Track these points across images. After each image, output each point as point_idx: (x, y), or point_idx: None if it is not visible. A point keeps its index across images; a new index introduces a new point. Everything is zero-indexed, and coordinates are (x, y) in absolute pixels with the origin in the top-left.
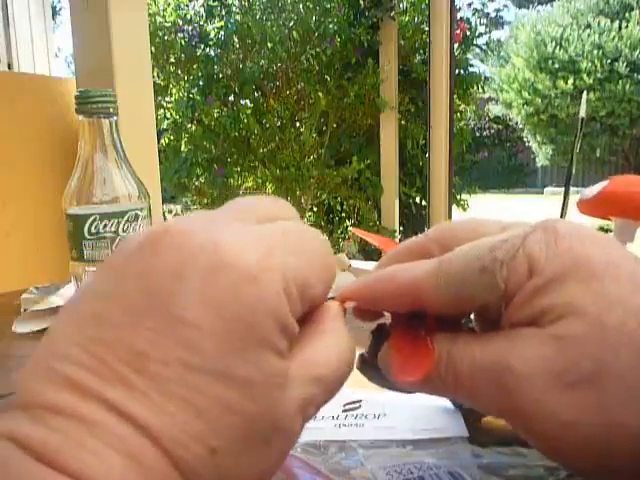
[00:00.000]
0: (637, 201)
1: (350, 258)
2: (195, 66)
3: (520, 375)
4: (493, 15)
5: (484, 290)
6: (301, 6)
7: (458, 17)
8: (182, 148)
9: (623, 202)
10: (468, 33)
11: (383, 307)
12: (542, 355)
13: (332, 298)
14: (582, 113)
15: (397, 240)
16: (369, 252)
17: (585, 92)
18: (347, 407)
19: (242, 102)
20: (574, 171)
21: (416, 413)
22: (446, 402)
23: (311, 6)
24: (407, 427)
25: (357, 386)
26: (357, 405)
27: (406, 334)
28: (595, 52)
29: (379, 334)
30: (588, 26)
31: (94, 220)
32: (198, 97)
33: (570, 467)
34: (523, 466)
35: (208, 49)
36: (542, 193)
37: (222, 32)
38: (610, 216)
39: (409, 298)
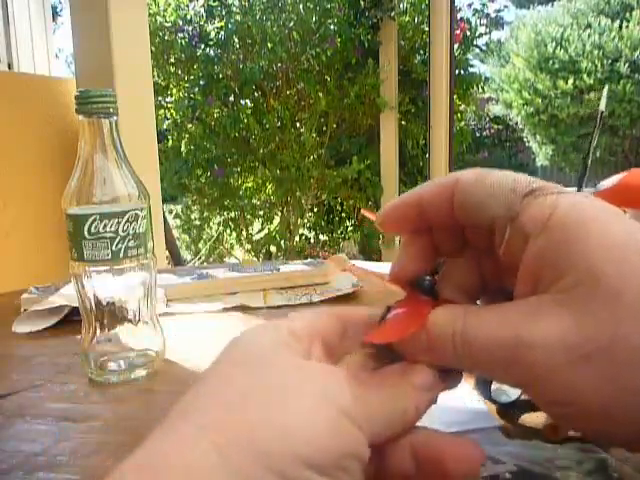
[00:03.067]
0: None
1: (350, 258)
2: (195, 66)
3: (537, 349)
4: (493, 15)
5: (500, 204)
6: (301, 6)
7: (458, 17)
8: (182, 148)
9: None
10: (468, 33)
11: (423, 209)
12: (560, 330)
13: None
14: (602, 107)
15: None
16: (369, 252)
17: (606, 86)
18: None
19: (242, 102)
20: (586, 171)
21: (445, 410)
22: (473, 400)
23: (311, 6)
24: (436, 422)
25: None
26: None
27: (407, 305)
28: (595, 52)
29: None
30: (588, 26)
31: (94, 220)
32: (198, 97)
33: (576, 429)
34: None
35: (208, 49)
36: None
37: (222, 32)
38: (626, 208)
39: (446, 192)
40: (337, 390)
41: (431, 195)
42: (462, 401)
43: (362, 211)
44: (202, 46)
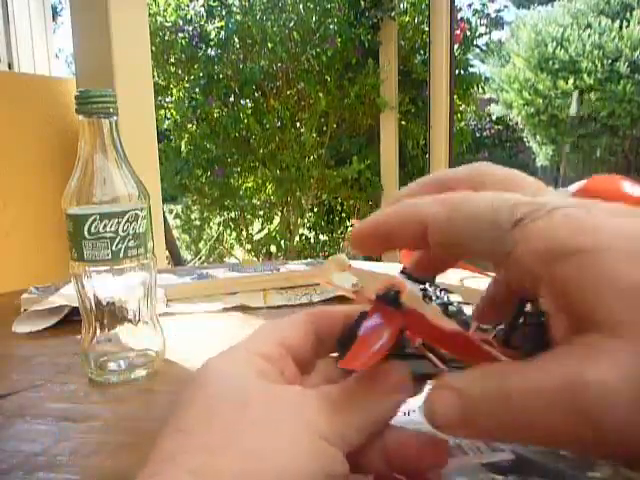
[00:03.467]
0: (611, 199)
1: (350, 258)
2: (196, 66)
3: (600, 395)
4: (493, 15)
5: (483, 242)
6: (301, 6)
7: (458, 17)
8: (182, 148)
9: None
10: (468, 33)
11: (390, 238)
12: (623, 371)
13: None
14: (572, 111)
15: None
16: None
17: (577, 91)
18: None
19: (242, 102)
20: (564, 172)
21: None
22: None
23: (311, 6)
24: None
25: None
26: None
27: (377, 316)
28: (596, 52)
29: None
30: (589, 26)
31: (94, 220)
32: (199, 97)
33: (609, 458)
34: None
35: (209, 49)
36: None
37: (222, 32)
38: None
39: (414, 227)
40: (314, 415)
41: (400, 231)
42: None
43: (354, 222)
44: (202, 46)
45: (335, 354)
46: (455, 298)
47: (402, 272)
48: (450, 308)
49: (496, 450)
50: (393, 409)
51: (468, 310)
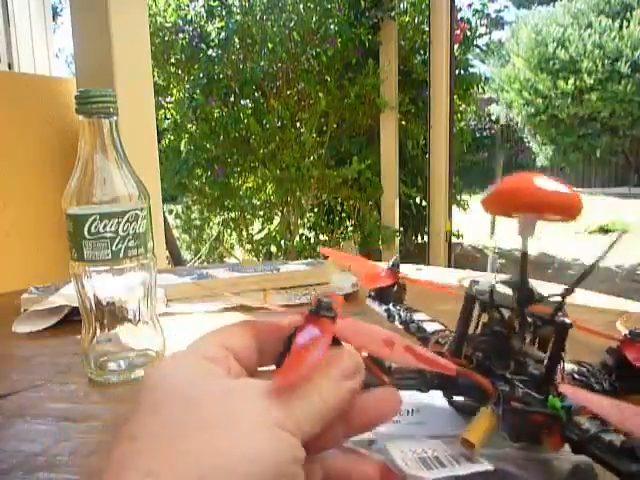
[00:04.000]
0: (524, 197)
1: None
2: (196, 66)
3: None
4: (493, 15)
5: None
6: (301, 6)
7: (458, 17)
8: (182, 148)
9: (512, 199)
10: (468, 33)
11: None
12: None
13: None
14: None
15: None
16: (369, 252)
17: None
18: None
19: (242, 102)
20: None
21: (452, 415)
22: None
23: (312, 6)
24: (440, 422)
25: None
26: None
27: (310, 326)
28: (596, 52)
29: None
30: (589, 26)
31: (94, 220)
32: (199, 97)
33: None
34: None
35: (209, 50)
36: None
37: (223, 32)
38: (509, 213)
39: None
40: (268, 404)
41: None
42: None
43: (321, 250)
44: (203, 46)
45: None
46: (419, 317)
47: (369, 296)
48: (411, 326)
49: (474, 462)
50: (346, 395)
51: (431, 326)
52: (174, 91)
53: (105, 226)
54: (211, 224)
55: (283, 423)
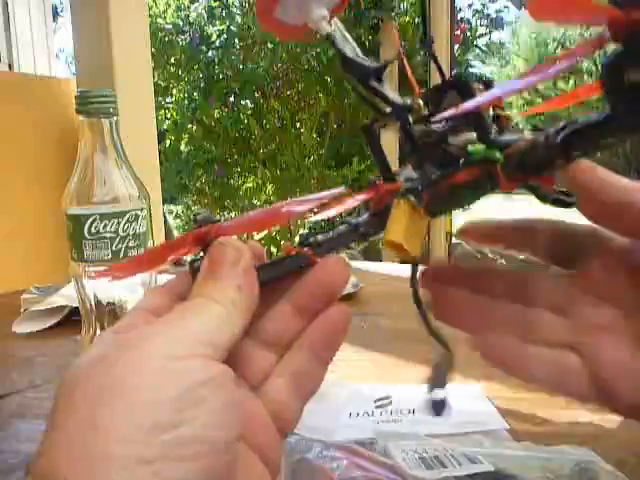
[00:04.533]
0: None
1: (350, 258)
2: (196, 67)
3: None
4: (493, 16)
5: None
6: None
7: (458, 18)
8: (182, 149)
9: None
10: (468, 34)
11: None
12: None
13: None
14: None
15: None
16: (369, 252)
17: None
18: (378, 403)
19: (242, 103)
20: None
21: (453, 412)
22: (483, 402)
23: None
24: (441, 420)
25: (384, 382)
26: (388, 401)
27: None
28: (596, 52)
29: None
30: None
31: (94, 220)
32: (199, 98)
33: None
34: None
35: (209, 52)
36: None
37: (224, 34)
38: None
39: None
40: (173, 335)
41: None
42: (471, 402)
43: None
44: (203, 48)
45: None
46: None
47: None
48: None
49: (475, 462)
50: (240, 280)
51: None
52: (174, 92)
53: (105, 226)
54: None
55: (183, 350)
